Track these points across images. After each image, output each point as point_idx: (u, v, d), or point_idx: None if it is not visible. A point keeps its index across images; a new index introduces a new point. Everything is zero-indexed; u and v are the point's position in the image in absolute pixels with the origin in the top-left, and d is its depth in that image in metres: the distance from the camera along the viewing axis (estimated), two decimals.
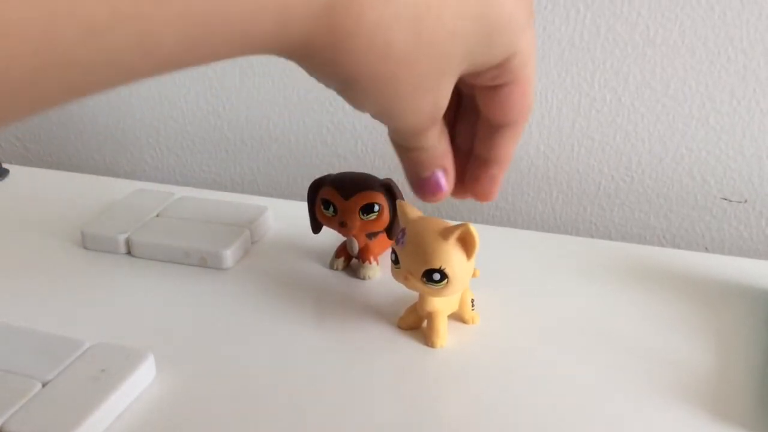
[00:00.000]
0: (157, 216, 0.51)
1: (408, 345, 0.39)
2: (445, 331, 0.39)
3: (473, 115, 0.33)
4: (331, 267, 0.47)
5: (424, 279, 0.36)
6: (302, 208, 0.47)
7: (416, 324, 0.40)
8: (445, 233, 0.36)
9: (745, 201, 0.57)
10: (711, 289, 0.44)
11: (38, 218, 0.54)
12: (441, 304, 0.39)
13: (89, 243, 0.49)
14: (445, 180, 0.33)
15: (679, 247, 0.60)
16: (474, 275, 0.39)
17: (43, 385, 0.34)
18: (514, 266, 0.47)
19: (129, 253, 0.49)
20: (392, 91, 0.26)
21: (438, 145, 0.32)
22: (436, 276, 0.36)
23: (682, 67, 0.54)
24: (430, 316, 0.39)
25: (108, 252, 0.49)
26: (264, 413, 0.35)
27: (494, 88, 0.30)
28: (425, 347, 0.39)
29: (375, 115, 0.28)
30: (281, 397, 0.36)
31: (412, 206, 0.39)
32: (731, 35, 0.52)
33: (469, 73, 0.29)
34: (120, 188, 0.57)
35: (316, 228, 0.46)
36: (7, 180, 0.60)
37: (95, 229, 0.49)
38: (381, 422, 0.34)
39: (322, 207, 0.44)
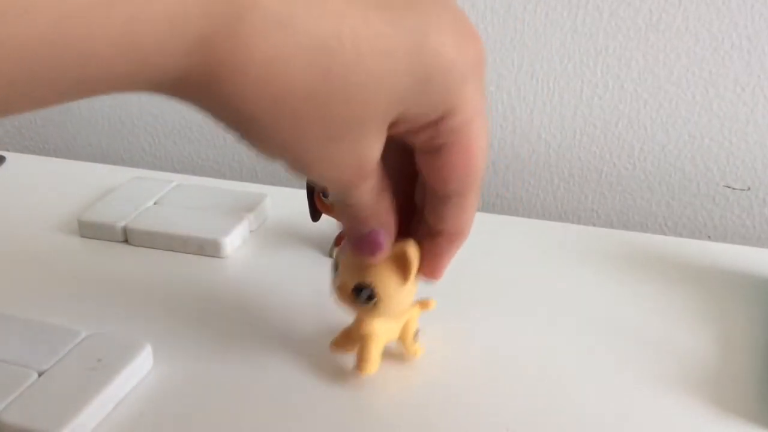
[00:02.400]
0: (155, 204, 0.51)
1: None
2: (377, 359, 0.35)
3: None
4: (330, 255, 0.46)
5: (354, 294, 0.32)
6: (301, 195, 0.47)
7: (349, 347, 0.36)
8: None
9: (748, 189, 0.56)
10: (713, 278, 0.44)
11: (34, 206, 0.53)
12: (377, 328, 0.34)
13: (86, 231, 0.49)
14: (385, 239, 0.29)
15: (681, 235, 0.59)
16: (426, 306, 0.36)
17: (39, 375, 0.34)
18: (514, 254, 0.46)
19: (126, 241, 0.48)
20: (300, 134, 0.22)
21: (375, 204, 0.28)
22: (364, 294, 0.31)
23: (686, 52, 0.53)
24: (362, 339, 0.34)
25: (105, 240, 0.48)
26: (261, 402, 0.34)
27: (432, 152, 0.26)
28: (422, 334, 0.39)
29: (289, 167, 0.24)
30: (278, 387, 0.35)
31: None
32: (735, 20, 0.51)
33: (402, 129, 0.25)
34: (117, 176, 0.56)
35: (315, 216, 0.46)
36: (3, 167, 0.60)
37: (92, 217, 0.49)
38: (379, 412, 0.34)
39: (321, 194, 0.43)
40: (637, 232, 0.52)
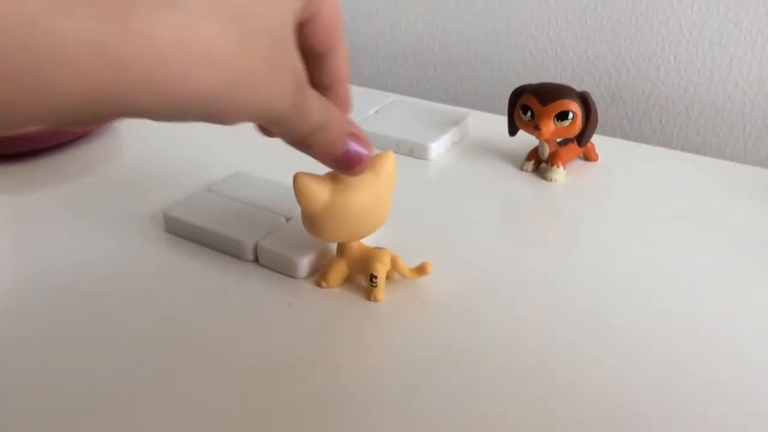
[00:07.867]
0: (375, 113, 0.59)
1: (584, 244, 0.45)
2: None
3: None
4: (521, 168, 0.53)
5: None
6: (499, 120, 0.53)
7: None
8: None
9: None
10: None
11: None
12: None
13: None
14: (361, 146, 0.31)
15: None
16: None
17: (287, 220, 0.43)
18: (690, 191, 0.50)
19: None
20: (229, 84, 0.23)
21: (327, 116, 0.29)
22: None
23: None
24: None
25: None
26: (446, 287, 0.41)
27: (310, 20, 0.29)
28: (601, 251, 0.44)
29: (250, 116, 0.25)
30: (458, 272, 0.42)
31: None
32: None
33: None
34: None
35: (512, 131, 0.52)
36: None
37: None
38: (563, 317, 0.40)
39: (520, 111, 0.49)
40: None
